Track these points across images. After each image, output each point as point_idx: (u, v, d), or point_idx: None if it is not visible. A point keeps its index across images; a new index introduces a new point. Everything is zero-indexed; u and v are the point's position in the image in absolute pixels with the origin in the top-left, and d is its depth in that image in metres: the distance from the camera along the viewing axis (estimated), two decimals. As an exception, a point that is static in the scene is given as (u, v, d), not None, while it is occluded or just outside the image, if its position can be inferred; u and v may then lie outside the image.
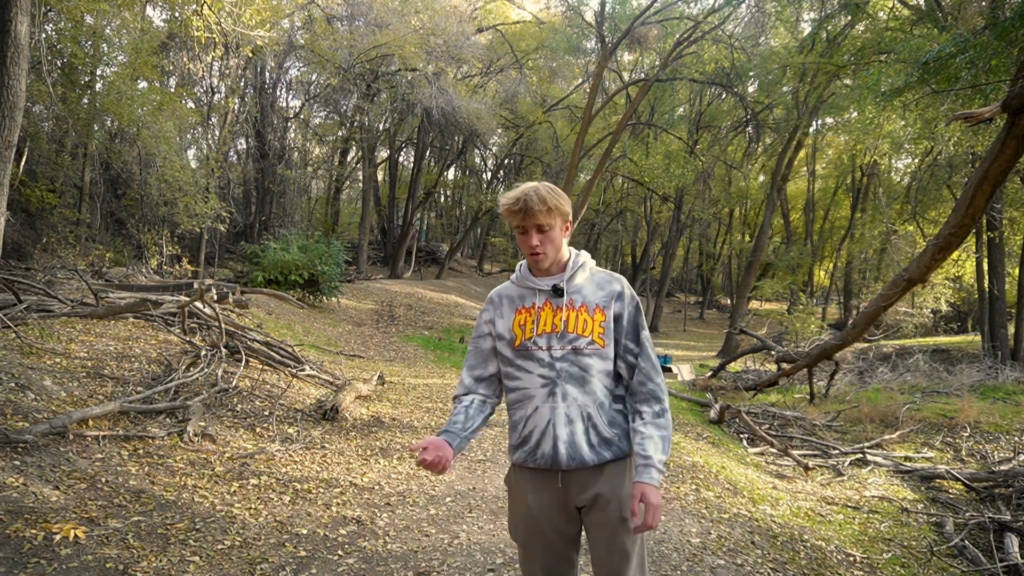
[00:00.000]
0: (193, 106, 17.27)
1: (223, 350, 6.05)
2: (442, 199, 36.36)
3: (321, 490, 4.02)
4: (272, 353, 6.84)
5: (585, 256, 1.84)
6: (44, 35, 10.67)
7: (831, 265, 30.48)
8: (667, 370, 12.61)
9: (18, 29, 4.99)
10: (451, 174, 33.02)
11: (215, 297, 6.83)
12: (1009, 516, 4.56)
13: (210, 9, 9.13)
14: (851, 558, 3.86)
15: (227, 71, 16.87)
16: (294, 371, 6.71)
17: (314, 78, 21.72)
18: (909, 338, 18.32)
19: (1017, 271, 15.60)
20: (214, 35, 9.49)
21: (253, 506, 3.60)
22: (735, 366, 13.64)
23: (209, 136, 17.65)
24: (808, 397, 9.60)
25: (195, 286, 7.70)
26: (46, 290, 6.96)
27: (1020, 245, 15.95)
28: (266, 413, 5.42)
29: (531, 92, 24.41)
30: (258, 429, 5.07)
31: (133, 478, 3.62)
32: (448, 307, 18.43)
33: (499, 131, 26.72)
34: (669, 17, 17.97)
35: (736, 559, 3.45)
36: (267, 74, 20.10)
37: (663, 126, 23.38)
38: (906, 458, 6.51)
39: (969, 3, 10.74)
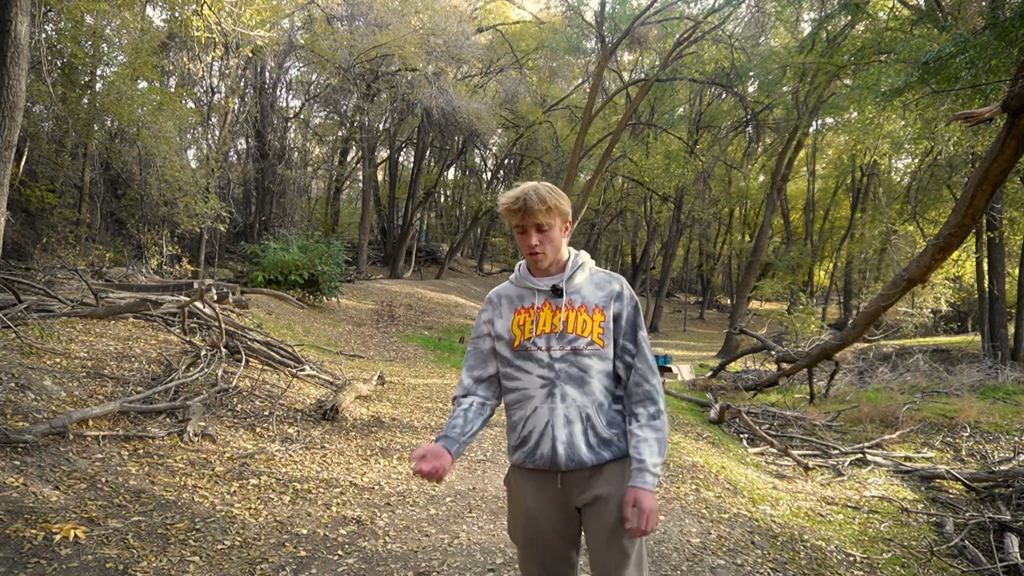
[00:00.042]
0: (193, 106, 17.27)
1: (223, 350, 6.05)
2: (442, 199, 36.37)
3: (321, 490, 4.02)
4: (272, 353, 6.84)
5: (584, 256, 1.83)
6: (44, 35, 10.67)
7: (831, 265, 30.49)
8: (667, 370, 12.58)
9: (18, 29, 4.99)
10: (451, 174, 33.05)
11: (215, 297, 6.83)
12: (1009, 516, 4.56)
13: (210, 9, 9.14)
14: (851, 558, 3.86)
15: (227, 71, 16.87)
16: (294, 371, 6.71)
17: (314, 78, 21.73)
18: (909, 338, 18.32)
19: (1017, 271, 15.60)
20: (214, 35, 9.49)
21: (253, 506, 3.60)
22: (735, 366, 13.64)
23: (209, 136, 17.66)
24: (808, 397, 9.60)
25: (195, 286, 7.70)
26: (46, 290, 6.96)
27: (1020, 245, 15.95)
28: (266, 413, 5.42)
29: (531, 92, 24.42)
30: (258, 429, 5.07)
31: (133, 478, 3.62)
32: (448, 307, 18.43)
33: (499, 131, 26.73)
34: (669, 17, 17.97)
35: (736, 559, 3.45)
36: (267, 74, 20.11)
37: (663, 126, 23.38)
38: (906, 458, 6.51)
39: (969, 3, 10.74)
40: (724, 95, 23.53)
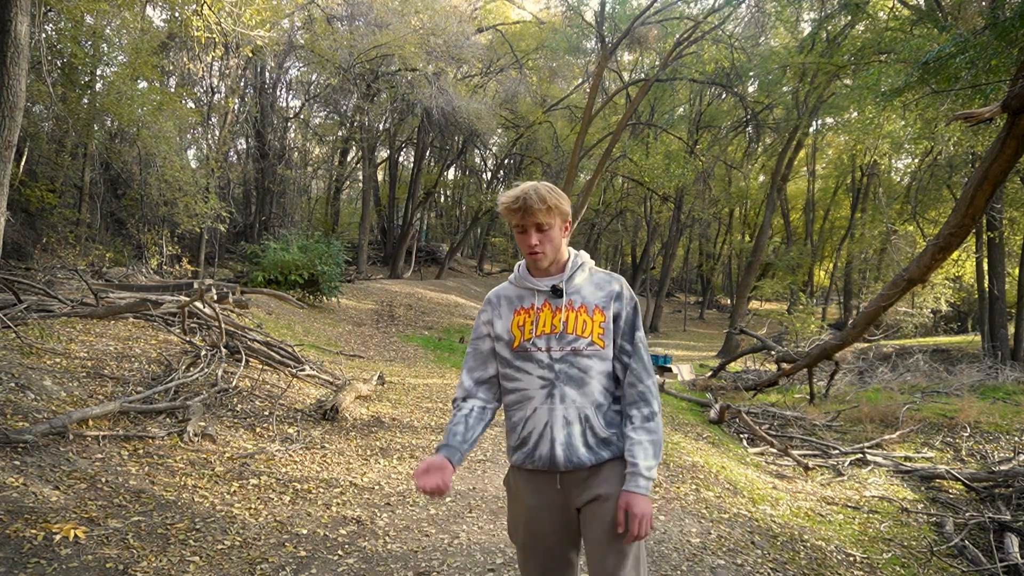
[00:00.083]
0: (193, 106, 17.27)
1: (223, 350, 6.05)
2: (442, 199, 36.37)
3: (321, 490, 4.02)
4: (272, 353, 6.84)
5: (584, 256, 1.83)
6: (44, 35, 10.67)
7: (831, 265, 30.49)
8: (667, 370, 12.59)
9: (18, 29, 4.99)
10: (451, 174, 33.05)
11: (215, 297, 6.83)
12: (1009, 516, 4.56)
13: (210, 9, 9.14)
14: (851, 558, 3.86)
15: (227, 71, 16.87)
16: (294, 371, 6.71)
17: (314, 78, 21.73)
18: (909, 338, 18.32)
19: (1017, 271, 15.60)
20: (214, 35, 9.49)
21: (253, 506, 3.60)
22: (735, 366, 13.64)
23: (209, 136, 17.66)
24: (808, 397, 9.60)
25: (195, 286, 7.70)
26: (46, 290, 6.97)
27: (1020, 245, 15.95)
28: (266, 413, 5.42)
29: (531, 92, 24.42)
30: (258, 429, 5.07)
31: (133, 478, 3.62)
32: (448, 307, 18.43)
33: (499, 131, 26.73)
34: (669, 17, 17.97)
35: (736, 559, 3.45)
36: (267, 74, 20.11)
37: (663, 126, 23.39)
38: (906, 458, 6.51)
39: (969, 3, 10.74)
40: (724, 95, 23.53)
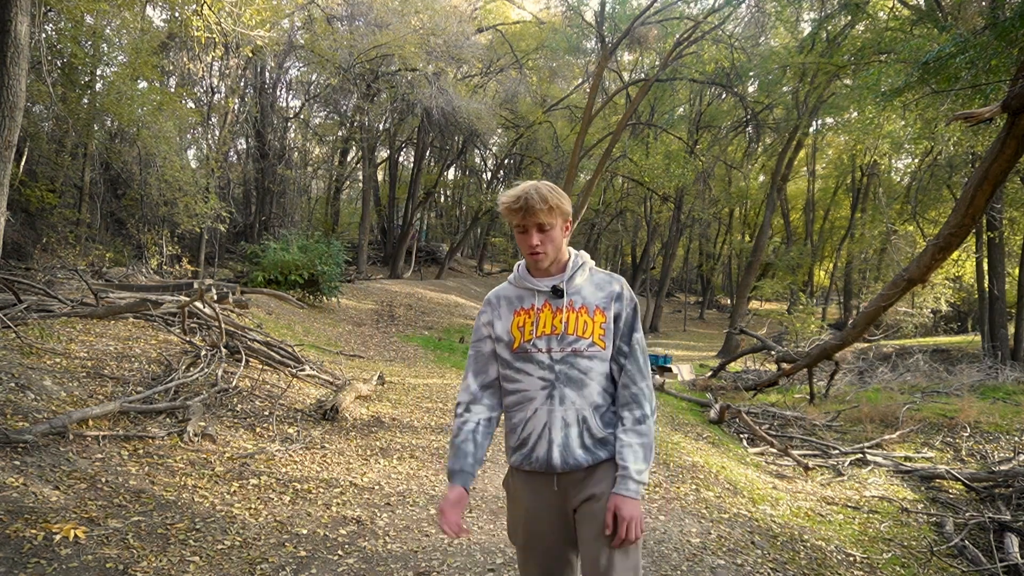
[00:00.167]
0: (193, 106, 17.27)
1: (223, 350, 6.05)
2: (442, 199, 36.37)
3: (321, 490, 4.01)
4: (272, 353, 6.84)
5: (585, 256, 1.82)
6: (44, 35, 10.67)
7: (831, 265, 30.49)
8: (667, 370, 12.60)
9: (18, 29, 4.99)
10: (451, 174, 33.05)
11: (215, 297, 6.83)
12: (1009, 516, 4.56)
13: (210, 9, 9.13)
14: (851, 558, 3.86)
15: (227, 71, 16.87)
16: (294, 371, 6.71)
17: (314, 78, 21.73)
18: (909, 338, 18.32)
19: (1017, 271, 15.60)
20: (214, 35, 9.49)
21: (253, 506, 3.60)
22: (735, 366, 13.64)
23: (209, 136, 17.66)
24: (808, 397, 9.60)
25: (195, 286, 7.70)
26: (46, 290, 6.97)
27: (1020, 245, 15.95)
28: (266, 413, 5.42)
29: (531, 92, 24.42)
30: (258, 429, 5.07)
31: (133, 478, 3.62)
32: (448, 307, 18.43)
33: (499, 131, 26.73)
34: (669, 17, 17.98)
35: (736, 559, 3.45)
36: (267, 74, 20.11)
37: (663, 126, 23.39)
38: (906, 458, 6.51)
39: (969, 3, 10.74)
40: (724, 95, 23.53)
